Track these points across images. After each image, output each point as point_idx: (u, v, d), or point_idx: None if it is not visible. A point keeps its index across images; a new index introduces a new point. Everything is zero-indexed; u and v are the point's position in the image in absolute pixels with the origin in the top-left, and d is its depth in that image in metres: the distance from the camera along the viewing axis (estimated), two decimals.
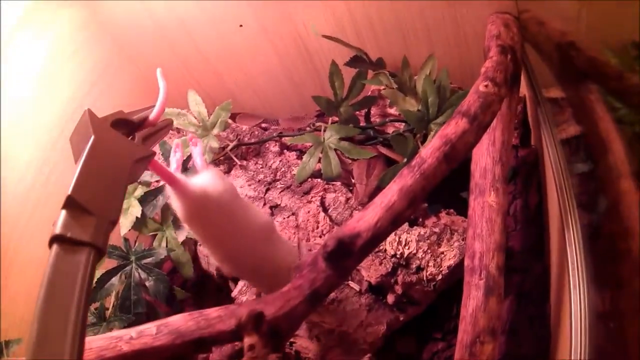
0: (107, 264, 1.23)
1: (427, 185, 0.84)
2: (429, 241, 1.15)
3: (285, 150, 1.43)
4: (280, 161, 1.38)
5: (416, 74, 1.39)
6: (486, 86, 0.95)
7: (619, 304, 0.95)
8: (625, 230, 0.97)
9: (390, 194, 0.82)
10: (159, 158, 1.32)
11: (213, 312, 0.78)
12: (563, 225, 1.02)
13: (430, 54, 1.37)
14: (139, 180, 1.29)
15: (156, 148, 1.10)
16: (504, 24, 1.24)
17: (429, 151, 0.86)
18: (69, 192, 0.55)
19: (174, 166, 0.89)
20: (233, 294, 1.24)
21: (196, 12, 1.48)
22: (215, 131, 1.37)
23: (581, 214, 1.01)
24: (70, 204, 0.55)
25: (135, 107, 1.54)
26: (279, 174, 1.35)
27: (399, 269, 1.13)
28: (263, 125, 1.62)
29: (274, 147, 1.42)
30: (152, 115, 0.76)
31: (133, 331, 0.78)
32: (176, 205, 0.85)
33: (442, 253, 1.14)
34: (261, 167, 1.37)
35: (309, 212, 1.23)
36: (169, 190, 0.84)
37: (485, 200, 1.08)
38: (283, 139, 1.44)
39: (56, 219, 0.54)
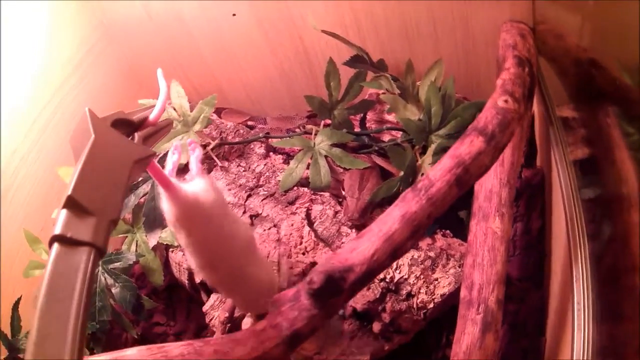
0: None
1: (433, 212, 0.74)
2: (422, 266, 1.05)
3: (271, 153, 1.32)
4: (265, 165, 1.26)
5: (419, 79, 1.28)
6: (506, 101, 0.84)
7: (619, 339, 0.87)
8: (633, 266, 0.88)
9: (391, 221, 0.72)
10: None
11: (175, 348, 0.66)
12: (570, 257, 0.94)
13: (438, 59, 1.26)
14: None
15: None
16: (519, 33, 1.14)
17: (439, 173, 0.75)
18: (69, 192, 0.54)
19: (169, 167, 0.86)
20: (204, 309, 1.15)
21: None
22: (197, 127, 1.25)
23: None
24: (70, 203, 0.54)
25: (115, 89, 1.49)
26: (262, 179, 1.23)
27: (388, 294, 1.04)
28: (249, 123, 1.51)
29: (259, 149, 1.30)
30: (152, 116, 0.74)
31: None
32: (166, 208, 0.81)
33: (436, 280, 1.05)
34: (244, 171, 1.25)
35: (292, 225, 1.12)
36: (160, 191, 0.80)
37: (489, 226, 1.00)
38: (270, 140, 1.33)
39: (56, 218, 0.54)
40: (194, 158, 0.90)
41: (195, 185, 0.84)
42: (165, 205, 0.81)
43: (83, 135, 0.61)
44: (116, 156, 0.62)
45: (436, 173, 0.75)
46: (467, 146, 0.77)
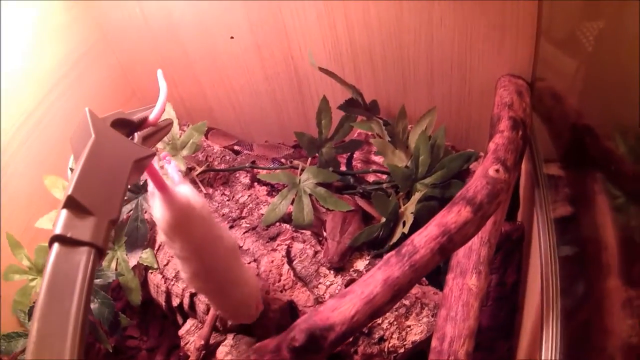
0: None
1: (414, 278, 0.75)
2: (396, 313, 1.05)
3: (255, 183, 1.31)
4: (249, 196, 1.26)
5: (411, 122, 1.29)
6: (497, 171, 0.85)
7: None
8: (603, 329, 0.90)
9: (373, 284, 0.72)
10: None
11: None
12: (542, 316, 0.95)
13: (432, 108, 1.27)
14: None
15: None
16: (517, 91, 1.15)
17: (424, 240, 0.76)
18: (69, 192, 0.55)
19: (175, 177, 0.87)
20: (180, 333, 1.14)
21: (188, 16, 1.38)
22: (185, 152, 1.25)
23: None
24: (70, 203, 0.55)
25: (104, 95, 1.49)
26: (245, 210, 1.23)
27: (361, 337, 1.04)
28: (236, 147, 1.51)
29: (244, 178, 1.30)
30: (152, 116, 0.75)
31: None
32: (160, 213, 0.81)
33: (409, 327, 1.05)
34: (227, 200, 1.25)
35: (272, 261, 1.12)
36: (154, 197, 0.81)
37: (465, 282, 1.00)
38: (256, 170, 1.33)
39: (56, 218, 0.54)
40: (172, 167, 0.90)
41: (185, 190, 0.84)
42: (159, 211, 0.81)
43: (83, 135, 0.62)
44: (116, 156, 0.63)
45: (421, 240, 0.76)
46: (455, 215, 0.78)
